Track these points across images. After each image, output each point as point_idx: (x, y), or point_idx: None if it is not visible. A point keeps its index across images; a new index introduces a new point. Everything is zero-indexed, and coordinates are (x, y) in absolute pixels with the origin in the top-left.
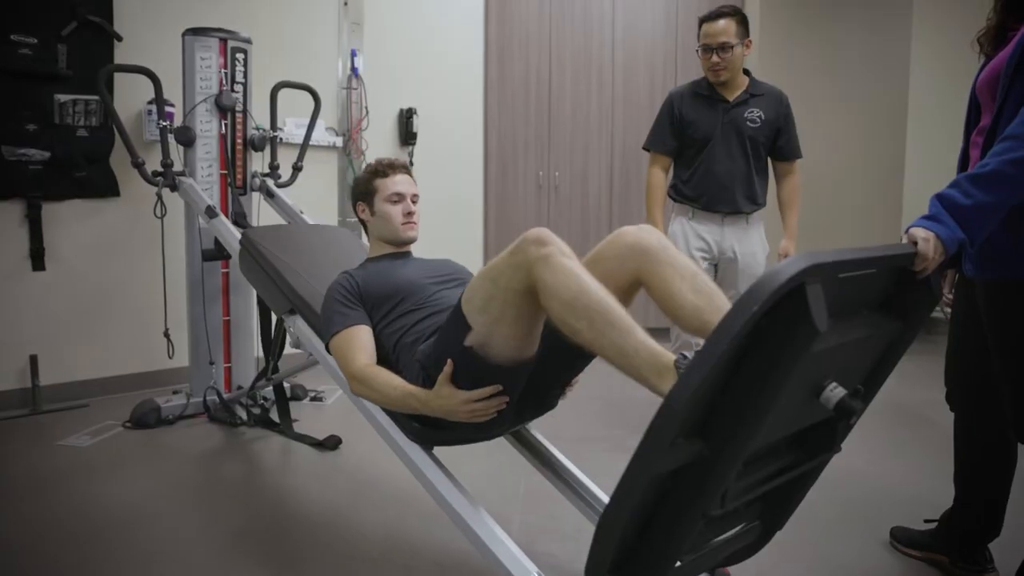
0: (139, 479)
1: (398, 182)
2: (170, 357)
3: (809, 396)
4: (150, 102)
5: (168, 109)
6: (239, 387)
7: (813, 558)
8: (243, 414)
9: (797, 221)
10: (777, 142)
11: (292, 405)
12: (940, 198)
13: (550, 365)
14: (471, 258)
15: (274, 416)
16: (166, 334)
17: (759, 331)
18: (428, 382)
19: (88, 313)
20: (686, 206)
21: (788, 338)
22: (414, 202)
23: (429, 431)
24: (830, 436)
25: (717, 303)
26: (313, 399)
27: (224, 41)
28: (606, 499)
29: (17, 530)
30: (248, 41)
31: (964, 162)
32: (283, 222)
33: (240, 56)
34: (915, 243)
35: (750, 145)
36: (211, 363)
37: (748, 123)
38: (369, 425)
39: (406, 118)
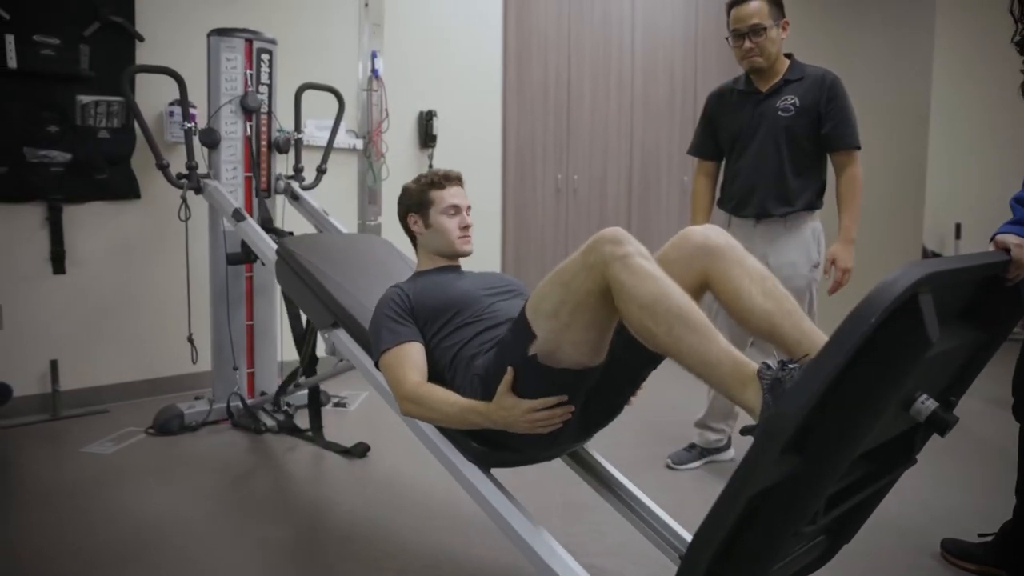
0: (166, 487)
1: (455, 194)
2: (194, 362)
3: (897, 408)
4: (171, 103)
5: (191, 112)
6: (262, 393)
7: (863, 571)
8: (267, 420)
9: (855, 223)
10: (822, 130)
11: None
12: (1021, 202)
13: (616, 373)
14: (488, 261)
15: (298, 422)
16: (190, 339)
17: (868, 344)
18: (487, 396)
19: (108, 317)
20: (724, 213)
21: (899, 350)
22: (468, 214)
23: (489, 451)
24: (908, 448)
25: (787, 307)
26: (336, 405)
27: (249, 42)
28: (659, 512)
29: (48, 538)
30: (273, 42)
31: None
32: (308, 225)
33: (265, 57)
34: (1007, 250)
35: (785, 137)
36: (235, 368)
37: (780, 113)
38: (397, 433)
39: (426, 120)
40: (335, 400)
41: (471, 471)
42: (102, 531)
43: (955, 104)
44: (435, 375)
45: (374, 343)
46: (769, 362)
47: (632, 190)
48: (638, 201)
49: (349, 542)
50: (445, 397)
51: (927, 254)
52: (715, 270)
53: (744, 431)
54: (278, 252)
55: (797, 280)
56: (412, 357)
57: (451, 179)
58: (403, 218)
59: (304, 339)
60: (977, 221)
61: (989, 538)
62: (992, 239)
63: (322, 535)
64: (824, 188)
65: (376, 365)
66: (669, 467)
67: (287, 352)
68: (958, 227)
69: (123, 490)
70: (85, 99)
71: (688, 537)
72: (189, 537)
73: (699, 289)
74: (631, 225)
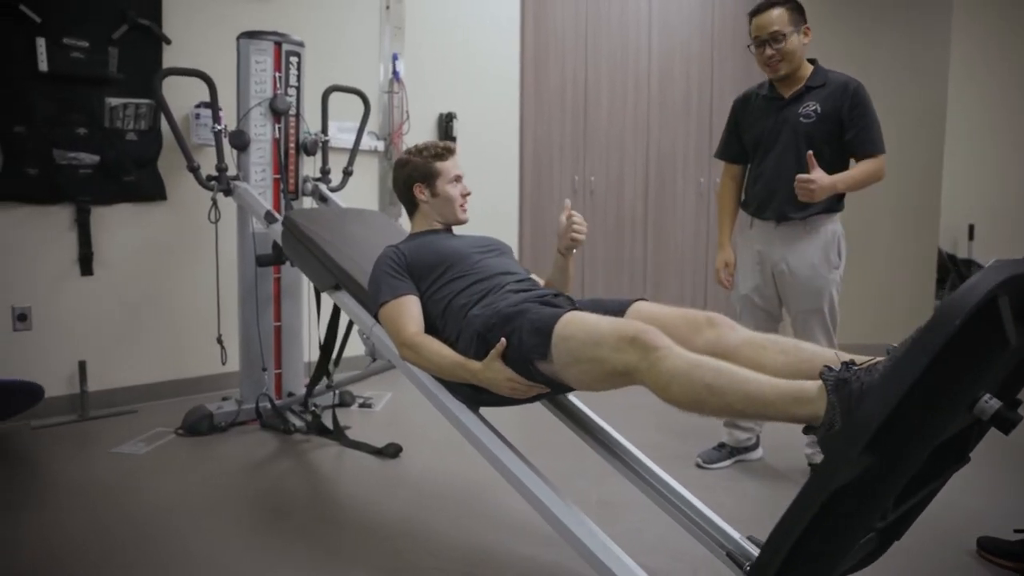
0: (202, 487)
1: (456, 164)
2: (223, 363)
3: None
4: (198, 105)
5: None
6: (290, 394)
7: (901, 568)
8: (296, 421)
9: (848, 181)
10: (844, 136)
11: (341, 412)
12: None
13: None
14: None
15: (327, 422)
16: (219, 340)
17: (948, 345)
18: (482, 347)
19: (135, 318)
20: (747, 215)
21: (977, 351)
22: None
23: (476, 393)
24: (963, 447)
25: (806, 355)
26: (362, 406)
27: (278, 45)
28: (704, 508)
29: (92, 538)
30: (301, 44)
31: None
32: None
33: (294, 60)
34: None
35: (805, 144)
36: (263, 369)
37: (802, 119)
38: (426, 433)
39: (446, 122)
40: (360, 401)
41: (461, 411)
42: (142, 531)
43: (969, 107)
44: (428, 324)
45: (373, 296)
46: (829, 365)
47: (648, 191)
48: (654, 202)
49: (390, 541)
50: (439, 349)
51: (941, 255)
52: (729, 344)
53: (807, 430)
54: (284, 223)
55: (817, 281)
56: (410, 309)
57: (451, 151)
58: (407, 187)
59: (331, 341)
60: (990, 223)
61: None
62: None
63: (363, 535)
64: (844, 192)
65: (375, 317)
66: (699, 466)
67: (314, 353)
68: (971, 228)
69: (159, 490)
70: (114, 101)
71: (733, 533)
72: (230, 536)
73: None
74: (647, 225)
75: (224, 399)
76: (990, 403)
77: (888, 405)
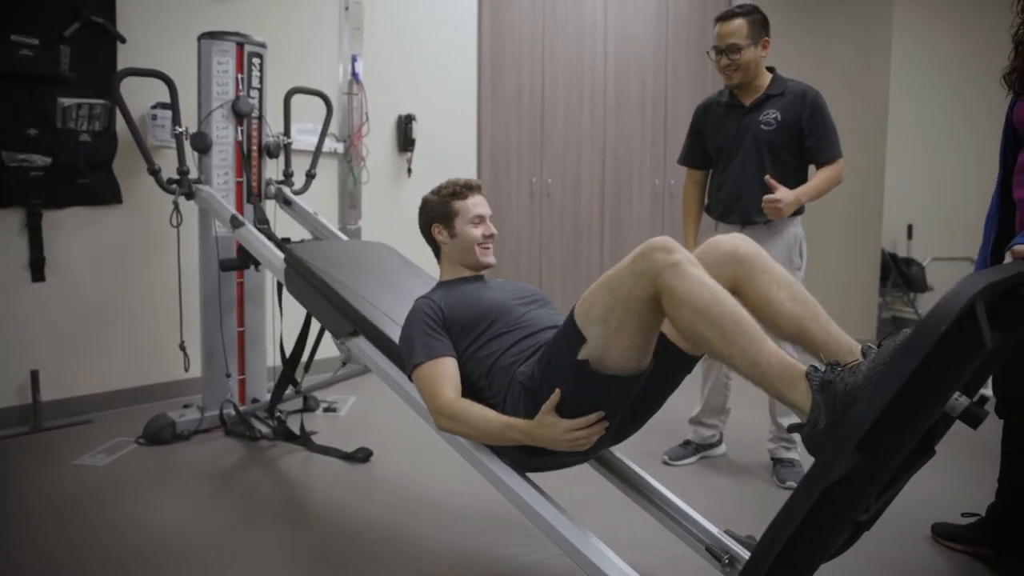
0: (170, 498)
1: (477, 203)
2: (186, 370)
3: None
4: (154, 106)
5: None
6: (254, 400)
7: (859, 551)
8: (261, 427)
9: (811, 191)
10: (804, 143)
11: (306, 417)
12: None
13: (654, 378)
14: None
15: (293, 428)
16: (182, 346)
17: (934, 350)
18: (532, 405)
19: (90, 325)
20: (712, 219)
21: (958, 354)
22: (491, 223)
23: (526, 456)
24: (931, 441)
25: (814, 311)
26: (326, 410)
27: (240, 45)
28: (682, 505)
29: (58, 555)
30: (263, 45)
31: (1005, 191)
32: (301, 229)
33: (256, 61)
34: None
35: (767, 150)
36: (227, 375)
37: (763, 126)
38: (392, 436)
39: (405, 124)
40: (325, 405)
41: (509, 476)
42: (110, 544)
43: (909, 111)
44: (469, 384)
45: (406, 355)
46: (816, 364)
47: (605, 194)
48: (611, 204)
49: (371, 545)
50: (483, 413)
51: (883, 254)
52: (744, 277)
53: (791, 428)
54: (287, 260)
55: None
56: (447, 371)
57: (472, 188)
58: (426, 229)
59: (300, 349)
60: (927, 222)
61: (973, 519)
62: (1010, 249)
63: (342, 540)
64: None
65: (409, 377)
66: (666, 463)
67: (279, 357)
68: (910, 228)
69: (126, 502)
70: (66, 101)
71: (711, 527)
72: (203, 547)
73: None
74: (604, 228)
75: (186, 406)
76: (959, 400)
77: (879, 406)
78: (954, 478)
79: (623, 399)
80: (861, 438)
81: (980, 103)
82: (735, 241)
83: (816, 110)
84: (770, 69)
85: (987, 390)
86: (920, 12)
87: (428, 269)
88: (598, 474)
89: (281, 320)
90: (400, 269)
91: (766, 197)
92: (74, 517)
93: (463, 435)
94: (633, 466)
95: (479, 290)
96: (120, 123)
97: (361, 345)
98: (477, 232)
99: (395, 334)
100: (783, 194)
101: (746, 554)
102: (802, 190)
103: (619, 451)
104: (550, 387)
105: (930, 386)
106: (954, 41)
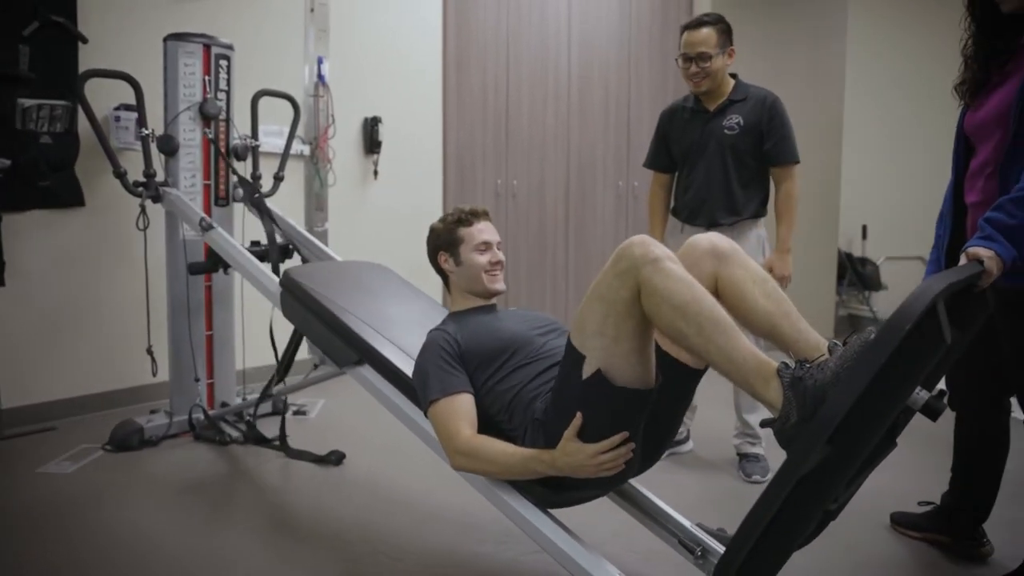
0: (142, 504)
1: (483, 230)
2: (154, 375)
3: None
4: (117, 107)
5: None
6: (223, 404)
7: (821, 540)
8: (232, 431)
9: (790, 233)
10: (764, 146)
11: (276, 420)
12: (989, 221)
13: (665, 394)
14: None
15: (263, 432)
16: (149, 351)
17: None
18: (548, 442)
19: (52, 330)
20: (677, 221)
21: (920, 351)
22: (499, 250)
23: (552, 493)
24: (893, 433)
25: (785, 308)
26: (296, 413)
27: (207, 47)
28: (657, 500)
29: (40, 563)
30: (230, 47)
31: (957, 195)
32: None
33: (223, 63)
34: (980, 262)
35: (731, 154)
36: (196, 380)
37: (726, 131)
38: (364, 438)
39: (371, 126)
40: (294, 408)
41: (533, 515)
42: (84, 552)
43: (863, 118)
44: (487, 419)
45: (421, 391)
46: (787, 362)
47: (569, 195)
48: (575, 206)
49: (350, 547)
50: (503, 449)
51: (840, 254)
52: (722, 273)
53: (764, 424)
54: (283, 284)
55: None
56: (463, 408)
57: (478, 215)
58: (433, 258)
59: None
60: (881, 223)
61: (929, 507)
62: (964, 251)
63: (320, 542)
64: (768, 198)
65: (425, 413)
66: None
67: (248, 360)
68: (864, 228)
69: (97, 509)
70: (27, 103)
71: (683, 521)
72: (183, 551)
73: (710, 292)
74: (568, 229)
75: (152, 412)
76: (920, 394)
77: (848, 401)
78: (911, 469)
79: (638, 414)
80: (831, 432)
81: (930, 110)
82: (713, 238)
83: (775, 114)
84: (733, 75)
85: (942, 384)
86: (873, 24)
87: (411, 280)
88: None
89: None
90: (400, 292)
91: (778, 279)
92: (44, 525)
93: (482, 473)
94: None
95: (495, 321)
96: (82, 124)
97: (366, 375)
98: (483, 259)
99: (402, 363)
100: (774, 263)
101: (718, 546)
102: (783, 240)
103: None
104: (563, 416)
105: (895, 381)
106: (905, 51)
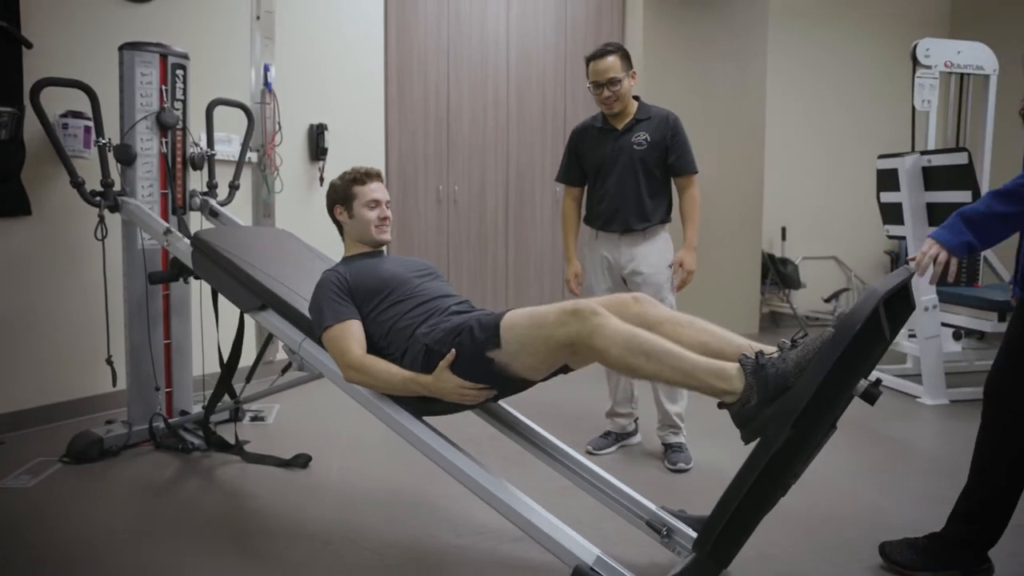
0: (109, 516)
1: (375, 189)
2: (114, 384)
3: None
4: (63, 115)
5: (86, 124)
6: (182, 412)
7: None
8: (193, 439)
9: (696, 233)
10: (668, 160)
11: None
12: (959, 211)
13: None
14: None
15: (226, 437)
16: (109, 360)
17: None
18: (429, 362)
19: None
20: (592, 228)
21: (866, 346)
22: (388, 208)
23: (422, 404)
24: (834, 421)
25: (719, 335)
26: (253, 419)
27: (164, 57)
28: (621, 485)
29: None
30: (186, 56)
31: None
32: None
33: (179, 72)
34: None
35: (640, 167)
36: (156, 389)
37: (635, 147)
38: (325, 439)
39: (317, 133)
40: (252, 414)
41: (409, 420)
42: (55, 565)
43: (783, 128)
44: (370, 343)
45: (316, 320)
46: (746, 354)
47: (509, 200)
48: (515, 211)
49: (330, 545)
50: (388, 368)
51: (762, 255)
52: (648, 314)
53: (721, 406)
54: (193, 243)
55: (658, 277)
56: (353, 332)
57: (371, 176)
58: (330, 209)
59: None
60: (798, 225)
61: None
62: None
63: (299, 543)
64: (671, 205)
65: (319, 340)
66: (590, 453)
67: (207, 367)
68: (784, 230)
69: (66, 524)
70: None
71: (649, 504)
72: (157, 563)
73: None
74: (508, 232)
75: (108, 422)
76: (861, 383)
77: (811, 389)
78: (895, 495)
79: (510, 391)
80: (797, 416)
81: (843, 121)
82: (643, 307)
83: (677, 131)
84: (635, 98)
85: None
86: (792, 41)
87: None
88: (538, 460)
89: (217, 331)
90: (300, 251)
91: (681, 272)
92: (6, 543)
93: (369, 386)
94: (572, 452)
95: (379, 263)
96: (29, 131)
97: (269, 318)
98: (372, 214)
99: (301, 305)
100: (683, 260)
101: (683, 526)
102: (690, 240)
103: (558, 441)
104: (457, 357)
105: (847, 372)
106: (822, 66)
